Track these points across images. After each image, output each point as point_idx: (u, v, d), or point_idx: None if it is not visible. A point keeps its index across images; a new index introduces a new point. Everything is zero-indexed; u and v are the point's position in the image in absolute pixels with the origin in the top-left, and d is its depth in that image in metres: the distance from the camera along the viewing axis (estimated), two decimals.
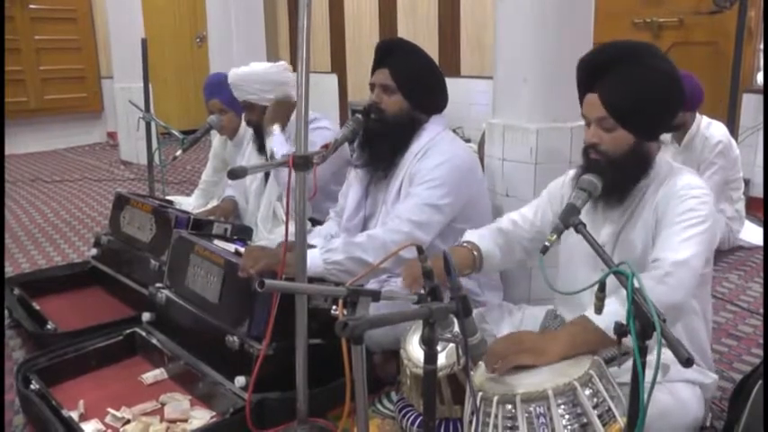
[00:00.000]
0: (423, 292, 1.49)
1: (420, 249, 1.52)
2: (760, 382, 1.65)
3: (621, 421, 1.43)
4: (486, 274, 2.20)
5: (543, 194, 2.06)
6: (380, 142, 2.28)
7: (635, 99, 1.67)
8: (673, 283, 1.55)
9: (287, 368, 1.88)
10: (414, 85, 2.26)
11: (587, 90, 1.75)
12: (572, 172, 1.89)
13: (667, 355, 1.21)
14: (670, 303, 1.53)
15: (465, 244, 1.97)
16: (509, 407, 1.47)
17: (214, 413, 2.06)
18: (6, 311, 2.77)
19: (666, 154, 3.45)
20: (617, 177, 1.70)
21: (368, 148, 2.31)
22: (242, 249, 2.33)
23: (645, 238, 1.74)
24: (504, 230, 2.04)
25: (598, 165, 1.72)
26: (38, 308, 2.73)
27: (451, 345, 1.70)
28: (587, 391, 1.45)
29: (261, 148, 2.97)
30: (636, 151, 1.71)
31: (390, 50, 2.29)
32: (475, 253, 1.95)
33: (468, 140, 5.16)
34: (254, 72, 2.88)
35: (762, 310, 2.83)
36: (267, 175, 2.97)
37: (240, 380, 1.98)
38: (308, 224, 2.19)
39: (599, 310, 1.35)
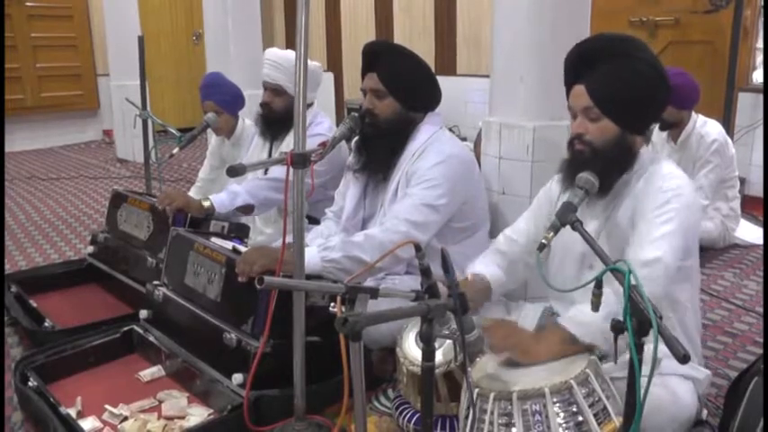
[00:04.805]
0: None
1: (418, 247, 1.53)
2: (756, 378, 1.66)
3: (616, 420, 1.44)
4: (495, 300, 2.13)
5: (533, 204, 2.07)
6: (377, 147, 2.28)
7: (620, 89, 1.69)
8: (643, 276, 1.53)
9: (284, 365, 1.88)
10: (404, 86, 2.25)
11: (574, 81, 1.77)
12: (557, 176, 1.90)
13: (660, 347, 1.22)
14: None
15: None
16: (505, 404, 1.47)
17: (212, 410, 2.06)
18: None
19: (662, 153, 3.50)
20: (601, 168, 1.71)
21: (365, 152, 2.32)
22: (240, 247, 2.33)
23: (627, 228, 1.75)
24: (503, 251, 2.04)
25: (583, 155, 1.74)
26: (35, 305, 2.72)
27: (448, 342, 1.72)
28: (583, 390, 1.46)
29: (266, 137, 2.96)
30: (620, 143, 1.73)
31: (376, 54, 2.29)
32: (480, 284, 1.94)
33: (464, 139, 5.15)
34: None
35: (758, 308, 2.84)
36: (266, 172, 2.97)
37: (238, 377, 1.98)
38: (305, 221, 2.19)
39: (596, 307, 1.35)
